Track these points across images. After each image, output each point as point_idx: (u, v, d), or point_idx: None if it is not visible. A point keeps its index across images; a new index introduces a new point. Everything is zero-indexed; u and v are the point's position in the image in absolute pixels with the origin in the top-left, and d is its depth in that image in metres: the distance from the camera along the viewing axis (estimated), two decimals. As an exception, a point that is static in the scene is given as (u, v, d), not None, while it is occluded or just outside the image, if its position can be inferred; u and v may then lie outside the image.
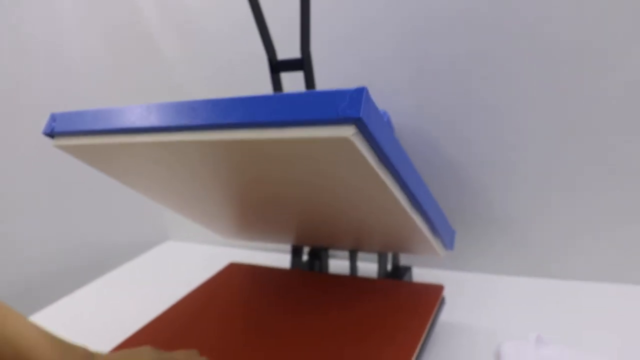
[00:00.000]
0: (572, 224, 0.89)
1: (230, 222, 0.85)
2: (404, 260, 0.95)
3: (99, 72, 1.21)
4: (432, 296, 0.75)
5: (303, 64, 0.75)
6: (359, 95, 0.44)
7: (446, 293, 0.82)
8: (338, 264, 0.98)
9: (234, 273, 0.92)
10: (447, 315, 0.82)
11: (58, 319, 0.97)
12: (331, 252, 0.94)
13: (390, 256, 0.88)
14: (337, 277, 0.84)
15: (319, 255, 0.90)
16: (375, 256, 0.90)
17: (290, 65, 0.76)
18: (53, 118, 0.64)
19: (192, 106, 0.52)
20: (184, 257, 1.25)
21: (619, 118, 0.80)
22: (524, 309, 0.83)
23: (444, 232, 0.71)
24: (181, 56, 1.12)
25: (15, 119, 1.23)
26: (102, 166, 0.68)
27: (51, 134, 0.64)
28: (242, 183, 0.64)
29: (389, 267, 0.89)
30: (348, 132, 0.44)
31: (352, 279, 0.83)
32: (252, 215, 0.78)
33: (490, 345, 0.74)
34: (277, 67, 0.78)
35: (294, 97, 0.47)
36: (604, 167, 0.83)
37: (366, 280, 0.82)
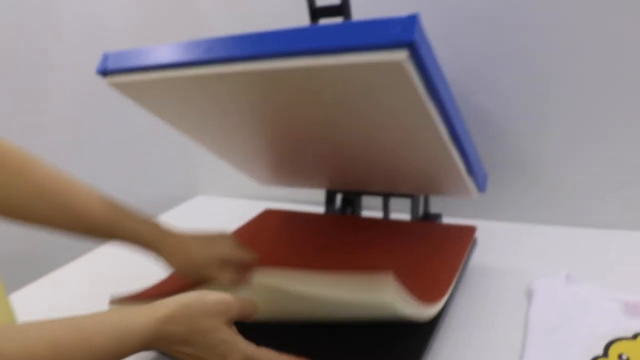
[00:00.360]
0: (602, 173, 0.91)
1: (267, 164, 0.87)
2: (434, 208, 0.97)
3: (131, 27, 1.24)
4: (465, 236, 0.78)
5: (342, 9, 0.77)
6: (412, 21, 0.46)
7: (477, 240, 0.84)
8: (370, 215, 1.00)
9: (269, 218, 0.95)
10: (479, 258, 0.84)
11: (93, 268, 1.03)
12: (363, 204, 0.96)
13: (422, 203, 0.90)
14: (372, 220, 0.87)
15: (352, 202, 0.93)
16: (406, 207, 0.92)
17: (330, 11, 0.78)
18: (106, 57, 0.67)
19: (256, 37, 0.54)
20: (215, 210, 1.28)
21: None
22: (555, 255, 0.86)
23: (477, 172, 0.73)
24: (214, 7, 1.13)
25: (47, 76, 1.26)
26: (151, 105, 0.71)
27: (104, 72, 0.66)
28: (287, 118, 0.66)
29: (420, 214, 0.91)
30: (401, 56, 0.47)
31: (386, 221, 0.86)
32: (290, 155, 0.80)
33: (522, 284, 0.77)
34: (316, 13, 0.79)
35: (351, 24, 0.49)
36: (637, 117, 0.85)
37: (400, 223, 0.84)
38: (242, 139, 0.78)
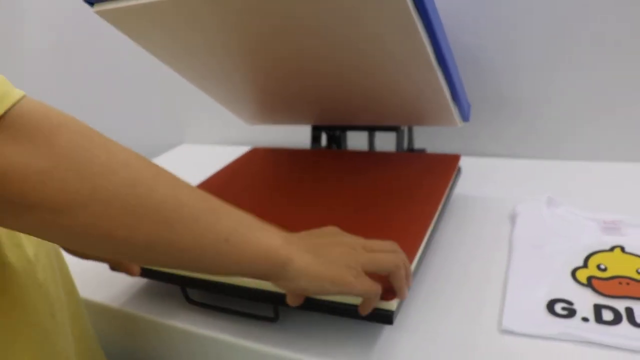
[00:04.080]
0: (578, 108, 0.93)
1: (252, 100, 0.88)
2: (418, 144, 0.99)
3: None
4: (449, 164, 0.80)
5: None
6: None
7: (461, 168, 0.86)
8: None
9: (257, 156, 0.96)
10: (462, 189, 0.87)
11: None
12: (349, 143, 0.98)
13: (406, 137, 0.92)
14: (357, 153, 0.88)
15: (338, 140, 0.94)
16: (391, 143, 0.93)
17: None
18: (92, -15, 0.66)
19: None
20: (201, 157, 1.29)
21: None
22: (536, 185, 0.88)
23: (462, 99, 0.75)
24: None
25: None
26: (138, 35, 0.71)
27: (91, 1, 0.66)
28: (272, 49, 0.67)
29: (405, 148, 0.93)
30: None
31: (371, 153, 0.87)
32: (275, 89, 0.81)
33: (505, 210, 0.79)
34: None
35: None
36: (608, 46, 0.86)
37: (385, 154, 0.86)
38: (228, 73, 0.78)
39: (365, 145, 0.93)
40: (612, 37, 0.86)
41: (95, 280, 0.74)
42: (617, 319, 0.53)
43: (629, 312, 0.54)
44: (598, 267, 0.62)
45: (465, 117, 0.79)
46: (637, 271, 0.60)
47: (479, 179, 0.91)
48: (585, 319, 0.54)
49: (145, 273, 0.66)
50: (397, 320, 0.58)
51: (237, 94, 0.87)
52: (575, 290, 0.59)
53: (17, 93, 0.35)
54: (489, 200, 0.83)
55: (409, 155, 0.85)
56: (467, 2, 0.92)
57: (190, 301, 0.65)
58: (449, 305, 0.61)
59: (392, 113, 0.82)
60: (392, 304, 0.52)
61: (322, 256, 0.48)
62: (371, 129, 0.92)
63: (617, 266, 0.61)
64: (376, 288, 0.50)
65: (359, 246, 0.51)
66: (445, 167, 0.79)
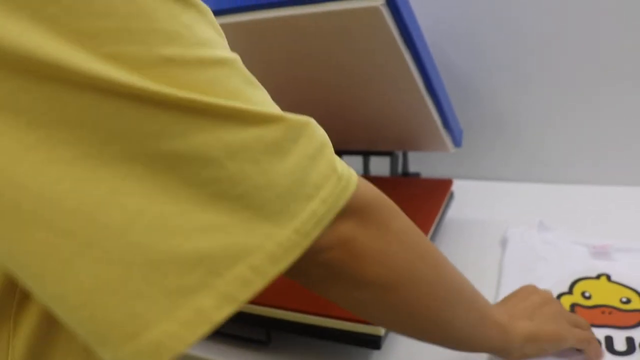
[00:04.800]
0: (573, 132, 0.95)
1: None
2: (412, 168, 1.00)
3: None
4: (442, 189, 0.81)
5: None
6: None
7: (454, 193, 0.87)
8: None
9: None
10: (455, 213, 0.88)
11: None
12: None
13: (400, 161, 0.93)
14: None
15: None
16: (385, 167, 0.95)
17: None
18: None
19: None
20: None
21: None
22: (529, 210, 0.89)
23: (453, 126, 0.77)
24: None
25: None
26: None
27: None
28: (266, 73, 0.69)
29: (399, 172, 0.94)
30: (378, 1, 0.49)
31: (366, 177, 0.88)
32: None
33: (497, 235, 0.80)
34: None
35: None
36: (598, 66, 0.88)
37: (379, 178, 0.88)
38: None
39: (360, 169, 0.95)
40: (601, 58, 0.88)
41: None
42: None
43: (609, 340, 0.55)
44: (582, 294, 0.63)
45: (457, 142, 0.81)
46: (620, 300, 0.61)
47: (472, 203, 0.92)
48: None
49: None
50: (385, 345, 0.59)
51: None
52: None
53: (354, 175, 0.37)
54: (482, 225, 0.84)
55: (403, 180, 0.86)
56: (457, 28, 0.94)
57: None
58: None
59: (386, 139, 0.84)
60: (379, 329, 0.53)
61: (536, 319, 0.51)
62: (366, 154, 0.93)
63: (602, 295, 0.62)
64: (588, 334, 0.53)
65: (557, 301, 0.55)
66: (438, 192, 0.80)
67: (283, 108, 0.33)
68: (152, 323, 0.27)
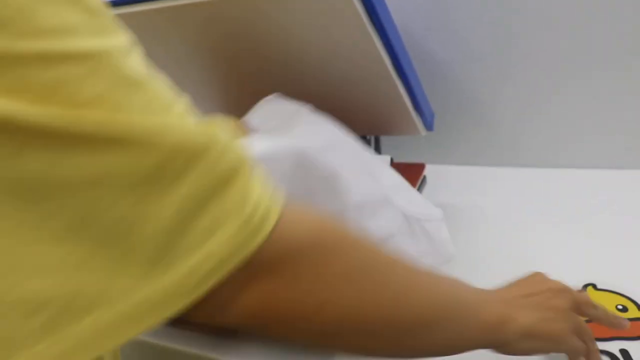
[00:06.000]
0: (544, 115, 0.95)
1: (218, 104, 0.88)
2: (385, 152, 0.99)
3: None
4: (414, 173, 0.81)
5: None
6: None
7: (426, 178, 0.87)
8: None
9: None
10: (428, 197, 0.87)
11: None
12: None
13: (372, 146, 0.93)
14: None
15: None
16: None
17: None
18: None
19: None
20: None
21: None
22: (503, 194, 0.89)
23: (424, 109, 0.76)
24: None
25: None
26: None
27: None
28: (237, 56, 0.67)
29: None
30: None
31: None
32: (238, 99, 0.81)
33: (470, 219, 0.80)
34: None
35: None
36: (573, 52, 0.88)
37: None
38: (188, 84, 0.79)
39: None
40: (579, 44, 0.87)
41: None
42: None
43: (625, 354, 0.52)
44: None
45: (428, 126, 0.80)
46: (616, 308, 0.58)
47: (445, 187, 0.92)
48: None
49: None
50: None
51: (197, 98, 0.87)
52: None
53: (274, 213, 0.29)
54: (453, 209, 0.84)
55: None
56: (428, 13, 0.93)
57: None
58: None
59: (356, 122, 0.82)
60: None
61: (541, 313, 0.45)
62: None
63: None
64: (583, 349, 0.47)
65: (570, 295, 0.48)
66: (410, 176, 0.79)
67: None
68: None
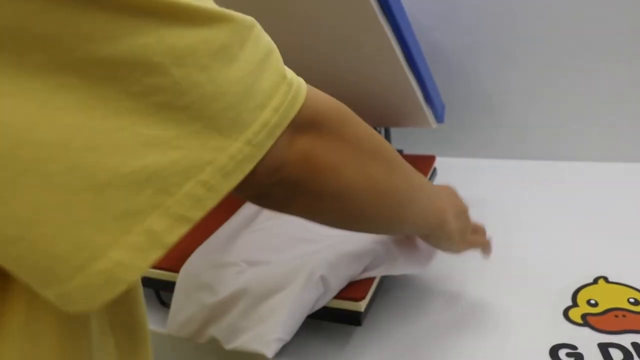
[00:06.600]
0: (555, 109, 0.94)
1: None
2: (394, 145, 0.99)
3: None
4: (425, 165, 0.80)
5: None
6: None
7: (436, 169, 0.86)
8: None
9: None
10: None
11: None
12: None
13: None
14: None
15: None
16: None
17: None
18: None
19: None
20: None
21: None
22: (512, 186, 0.89)
23: (435, 100, 0.75)
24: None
25: None
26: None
27: None
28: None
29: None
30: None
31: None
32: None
33: (480, 211, 0.79)
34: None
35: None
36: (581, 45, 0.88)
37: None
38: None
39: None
40: (586, 36, 0.87)
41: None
42: (627, 358, 0.50)
43: (637, 347, 0.51)
44: (588, 302, 0.59)
45: (439, 118, 0.80)
46: (628, 301, 0.58)
47: (455, 180, 0.91)
48: None
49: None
50: (366, 321, 0.58)
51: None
52: (573, 332, 0.55)
53: (303, 83, 0.35)
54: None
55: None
56: (436, 5, 0.92)
57: (163, 304, 0.65)
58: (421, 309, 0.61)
59: (367, 114, 0.82)
60: (360, 305, 0.53)
61: (458, 221, 0.53)
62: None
63: (607, 298, 0.59)
64: (485, 240, 0.59)
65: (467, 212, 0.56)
66: (420, 168, 0.78)
67: None
68: (100, 252, 0.25)
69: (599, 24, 0.85)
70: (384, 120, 0.84)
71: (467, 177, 0.93)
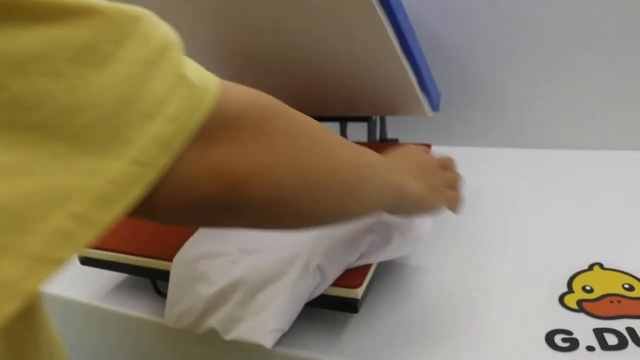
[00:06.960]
0: (546, 95, 0.94)
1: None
2: (390, 133, 0.99)
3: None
4: (420, 153, 0.80)
5: None
6: None
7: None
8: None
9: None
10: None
11: None
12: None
13: (378, 127, 0.92)
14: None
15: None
16: (363, 134, 0.94)
17: None
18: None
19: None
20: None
21: None
22: (509, 175, 0.89)
23: (430, 88, 0.75)
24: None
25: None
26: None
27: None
28: (245, 40, 0.67)
29: (377, 138, 0.93)
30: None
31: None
32: (243, 77, 0.81)
33: (475, 200, 0.79)
34: None
35: None
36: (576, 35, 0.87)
37: (358, 143, 0.86)
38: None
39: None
40: (583, 24, 0.87)
41: (65, 276, 0.73)
42: (622, 342, 0.50)
43: (632, 332, 0.51)
44: (583, 289, 0.59)
45: (435, 106, 0.80)
46: (622, 287, 0.58)
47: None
48: (590, 348, 0.50)
49: (115, 267, 0.65)
50: (363, 308, 0.58)
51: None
52: (569, 318, 0.55)
53: (214, 82, 0.30)
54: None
55: (380, 145, 0.85)
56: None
57: (160, 293, 0.65)
58: (417, 296, 0.61)
59: (362, 103, 0.82)
60: (356, 292, 0.53)
61: (423, 181, 0.50)
62: (343, 120, 0.92)
63: (602, 285, 0.59)
64: (458, 198, 0.56)
65: (438, 166, 0.54)
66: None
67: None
68: None
69: (595, 15, 0.85)
70: (379, 108, 0.84)
71: (462, 165, 0.93)
